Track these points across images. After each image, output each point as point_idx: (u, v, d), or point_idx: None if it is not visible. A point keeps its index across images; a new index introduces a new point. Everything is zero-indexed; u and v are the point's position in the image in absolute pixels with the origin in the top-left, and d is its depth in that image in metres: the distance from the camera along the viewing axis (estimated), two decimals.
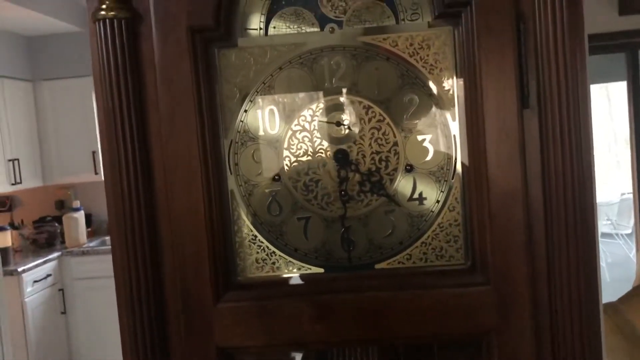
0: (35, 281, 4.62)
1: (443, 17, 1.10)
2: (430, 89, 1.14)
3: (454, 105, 1.14)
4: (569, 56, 1.03)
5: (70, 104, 5.20)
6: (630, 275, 5.18)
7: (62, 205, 5.55)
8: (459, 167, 1.15)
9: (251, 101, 1.16)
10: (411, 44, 1.13)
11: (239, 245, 1.19)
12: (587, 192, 1.05)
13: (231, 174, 1.17)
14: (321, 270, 1.18)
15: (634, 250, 5.82)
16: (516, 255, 1.07)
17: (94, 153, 5.13)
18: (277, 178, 1.18)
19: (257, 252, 1.19)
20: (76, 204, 5.20)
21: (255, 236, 1.18)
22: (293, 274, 1.18)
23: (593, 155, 1.23)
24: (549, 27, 1.03)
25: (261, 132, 1.17)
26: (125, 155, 1.08)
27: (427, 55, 1.13)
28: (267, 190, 1.18)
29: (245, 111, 1.16)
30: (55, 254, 4.92)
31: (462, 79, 1.11)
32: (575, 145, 1.03)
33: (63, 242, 5.18)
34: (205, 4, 1.08)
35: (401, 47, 1.13)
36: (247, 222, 1.18)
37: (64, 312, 4.98)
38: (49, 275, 4.79)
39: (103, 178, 1.12)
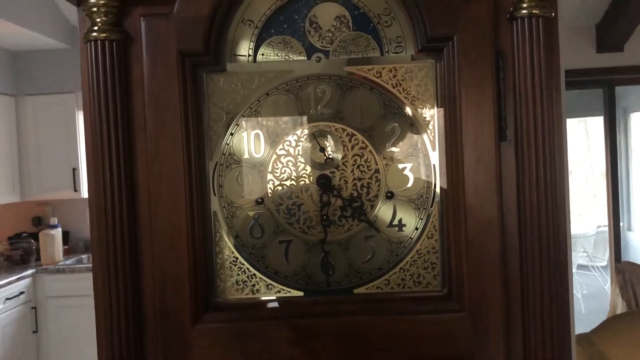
0: (8, 299, 4.51)
1: (426, 51, 1.14)
2: (411, 119, 1.17)
3: (434, 136, 1.17)
4: (545, 91, 1.07)
5: (53, 120, 5.15)
6: (605, 307, 5.24)
7: (39, 222, 5.46)
8: (437, 196, 1.18)
9: (237, 125, 1.19)
10: (394, 76, 1.17)
11: (219, 267, 1.19)
12: (560, 223, 1.08)
13: (215, 195, 1.19)
14: (301, 293, 1.19)
15: (609, 283, 5.90)
16: (491, 284, 1.09)
17: (74, 170, 5.07)
18: (260, 201, 1.19)
19: (238, 274, 1.20)
20: (53, 220, 5.12)
21: (237, 258, 1.20)
22: (273, 296, 1.19)
23: (567, 188, 1.27)
24: (526, 64, 1.07)
25: (246, 156, 1.19)
26: (110, 175, 1.09)
27: (410, 87, 1.17)
28: (250, 213, 1.20)
29: (231, 134, 1.19)
30: (30, 271, 4.82)
31: (442, 111, 1.15)
32: (550, 177, 1.07)
33: (38, 259, 5.09)
34: (195, 30, 1.10)
35: (385, 78, 1.17)
36: (229, 244, 1.20)
37: (35, 331, 4.87)
38: (22, 293, 4.69)
39: (82, 195, 1.12)
